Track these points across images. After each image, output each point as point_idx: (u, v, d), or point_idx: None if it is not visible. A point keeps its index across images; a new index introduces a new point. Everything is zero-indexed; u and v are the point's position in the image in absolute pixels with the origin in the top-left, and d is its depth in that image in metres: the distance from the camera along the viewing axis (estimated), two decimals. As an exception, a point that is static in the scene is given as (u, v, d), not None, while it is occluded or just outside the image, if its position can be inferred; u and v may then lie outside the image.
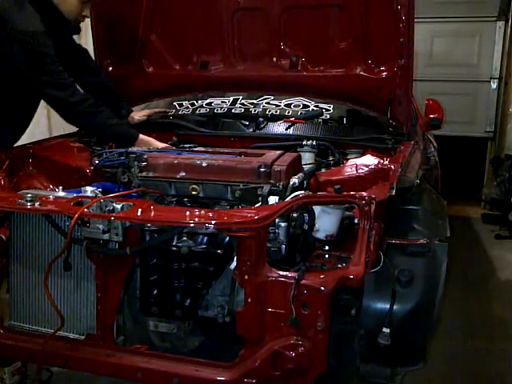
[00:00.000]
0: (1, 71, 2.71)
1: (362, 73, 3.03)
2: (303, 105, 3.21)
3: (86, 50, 3.19)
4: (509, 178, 6.11)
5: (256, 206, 2.09)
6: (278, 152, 2.39)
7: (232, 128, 3.16)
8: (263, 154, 2.36)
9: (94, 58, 3.32)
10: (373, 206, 1.91)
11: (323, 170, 2.61)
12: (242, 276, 1.84)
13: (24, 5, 2.64)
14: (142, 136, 2.81)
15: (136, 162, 2.38)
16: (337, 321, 1.93)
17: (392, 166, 2.34)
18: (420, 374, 2.44)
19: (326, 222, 2.07)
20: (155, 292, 2.04)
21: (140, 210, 1.88)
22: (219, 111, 3.31)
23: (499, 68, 6.91)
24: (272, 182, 2.16)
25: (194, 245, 2.02)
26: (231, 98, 3.37)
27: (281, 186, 2.14)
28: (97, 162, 2.63)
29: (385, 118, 2.96)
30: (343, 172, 2.46)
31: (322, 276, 1.83)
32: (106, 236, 1.88)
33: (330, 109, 3.17)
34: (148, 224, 1.98)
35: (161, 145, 2.80)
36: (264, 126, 3.11)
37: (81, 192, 2.08)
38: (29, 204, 1.90)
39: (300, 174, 2.26)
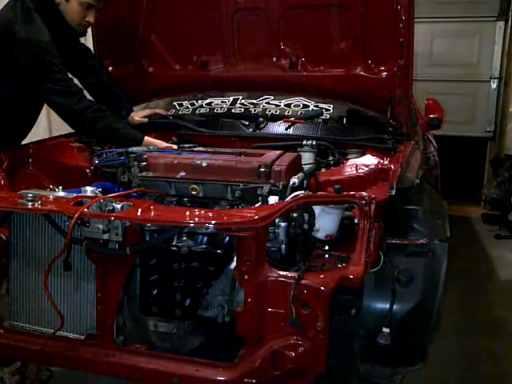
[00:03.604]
0: (7, 77, 2.72)
1: (362, 73, 3.03)
2: (303, 105, 3.21)
3: (89, 50, 3.20)
4: (509, 178, 6.11)
5: (256, 205, 2.09)
6: (278, 152, 2.38)
7: (232, 128, 3.16)
8: (263, 154, 2.36)
9: (93, 57, 3.32)
10: (373, 206, 1.91)
11: (323, 170, 2.61)
12: (242, 276, 1.83)
13: (31, 15, 2.66)
14: (147, 138, 2.82)
15: (136, 162, 2.38)
16: (337, 321, 1.93)
17: (392, 166, 2.34)
18: (420, 374, 2.43)
19: (326, 222, 2.07)
20: (155, 292, 2.04)
21: (140, 209, 1.88)
22: (219, 111, 3.31)
23: (499, 68, 6.91)
24: (272, 181, 2.16)
25: (194, 245, 2.02)
26: (231, 98, 3.37)
27: (281, 186, 2.14)
28: (97, 161, 2.64)
29: (385, 118, 2.96)
30: (343, 172, 2.46)
31: (321, 276, 1.83)
32: (105, 236, 1.88)
33: (330, 109, 3.18)
34: (148, 224, 1.98)
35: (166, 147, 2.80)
36: (264, 126, 3.11)
37: (81, 192, 2.08)
38: (29, 204, 1.90)
39: (300, 174, 2.25)
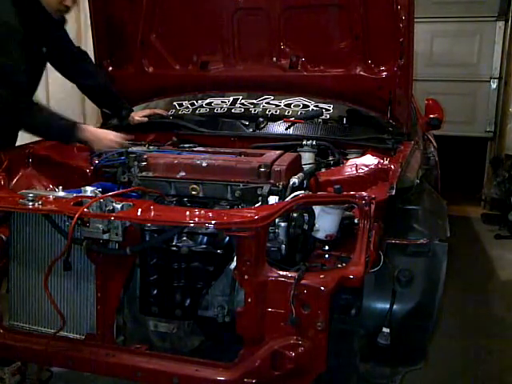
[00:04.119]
0: None
1: (361, 73, 3.03)
2: (303, 105, 3.21)
3: (84, 52, 3.17)
4: (509, 178, 6.11)
5: (256, 205, 2.09)
6: (278, 152, 2.39)
7: (232, 128, 3.15)
8: (263, 154, 2.36)
9: (93, 58, 3.31)
10: (373, 206, 1.91)
11: (323, 170, 2.61)
12: (242, 276, 1.84)
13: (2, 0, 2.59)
14: (82, 125, 2.74)
15: (136, 162, 2.38)
16: (337, 321, 1.93)
17: (392, 166, 2.34)
18: (420, 374, 2.43)
19: (326, 222, 2.07)
20: (155, 292, 2.04)
21: (140, 209, 1.88)
22: (219, 111, 3.31)
23: (499, 68, 6.91)
24: (272, 181, 2.16)
25: (194, 245, 2.02)
26: (231, 98, 3.37)
27: (281, 186, 2.14)
28: (97, 161, 2.64)
29: (385, 118, 2.97)
30: (343, 172, 2.46)
31: (321, 276, 1.83)
32: (105, 236, 1.88)
33: (330, 109, 3.17)
34: (148, 224, 1.98)
35: (108, 133, 2.76)
36: (264, 126, 3.11)
37: (81, 192, 2.08)
38: (30, 204, 1.91)
39: (300, 174, 2.25)
